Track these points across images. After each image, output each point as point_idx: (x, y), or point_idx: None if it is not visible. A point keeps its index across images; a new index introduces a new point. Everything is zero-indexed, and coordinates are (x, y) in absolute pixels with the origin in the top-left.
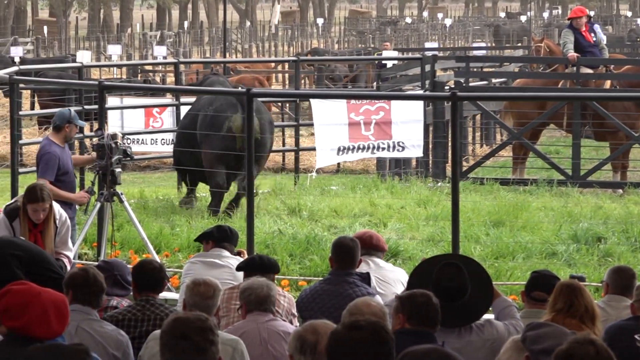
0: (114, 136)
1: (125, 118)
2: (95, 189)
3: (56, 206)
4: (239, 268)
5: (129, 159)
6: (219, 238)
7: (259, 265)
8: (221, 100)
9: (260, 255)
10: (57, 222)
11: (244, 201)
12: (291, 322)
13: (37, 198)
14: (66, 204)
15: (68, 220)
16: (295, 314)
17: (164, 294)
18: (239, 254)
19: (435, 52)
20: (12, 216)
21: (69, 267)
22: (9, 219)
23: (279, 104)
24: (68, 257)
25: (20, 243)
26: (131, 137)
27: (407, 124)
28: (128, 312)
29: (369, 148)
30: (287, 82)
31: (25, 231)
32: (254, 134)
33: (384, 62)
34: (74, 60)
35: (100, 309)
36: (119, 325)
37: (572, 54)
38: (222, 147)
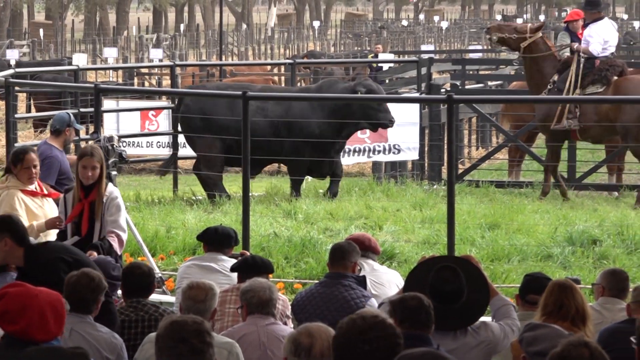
0: (110, 138)
1: (121, 121)
2: None
3: (110, 187)
4: (233, 269)
5: (124, 162)
6: (215, 241)
7: (253, 266)
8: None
9: (254, 255)
10: (106, 199)
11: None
12: (285, 324)
13: (86, 152)
14: None
15: (120, 200)
16: (290, 315)
17: (159, 297)
18: (241, 255)
19: (432, 55)
20: (68, 190)
21: (117, 248)
22: (65, 193)
23: None
24: (119, 237)
25: (71, 249)
26: (127, 139)
27: (403, 127)
28: (121, 314)
29: (365, 151)
30: (283, 84)
31: (75, 200)
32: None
33: (380, 64)
34: (70, 63)
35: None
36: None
37: (568, 55)
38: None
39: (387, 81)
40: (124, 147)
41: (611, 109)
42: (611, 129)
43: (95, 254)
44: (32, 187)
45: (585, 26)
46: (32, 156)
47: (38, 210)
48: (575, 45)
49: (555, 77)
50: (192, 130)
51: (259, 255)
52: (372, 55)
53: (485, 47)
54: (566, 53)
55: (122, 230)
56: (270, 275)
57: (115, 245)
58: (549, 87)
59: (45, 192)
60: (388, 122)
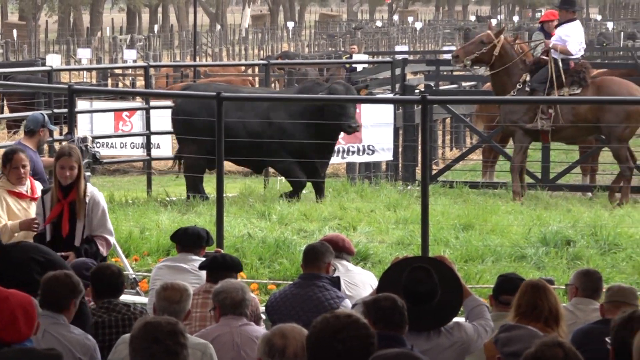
0: (84, 139)
1: (94, 122)
2: None
3: (91, 188)
4: (201, 267)
5: (98, 163)
6: (185, 241)
7: (222, 265)
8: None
9: (223, 254)
10: (88, 199)
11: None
12: (256, 324)
13: (64, 152)
14: None
15: (103, 203)
16: (261, 316)
17: (133, 298)
18: (216, 253)
19: (406, 56)
20: (45, 191)
21: (104, 251)
22: (42, 194)
23: None
24: (106, 240)
25: (43, 249)
26: (101, 140)
27: (377, 128)
28: (93, 316)
29: (339, 152)
30: (257, 85)
31: (54, 201)
32: None
33: (354, 65)
34: (44, 64)
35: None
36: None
37: (541, 56)
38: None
39: (361, 82)
40: (97, 148)
41: (591, 110)
42: (586, 130)
43: (73, 255)
44: (22, 189)
45: (557, 26)
46: (21, 156)
47: (21, 212)
48: (552, 42)
49: (527, 77)
50: (177, 131)
51: (228, 254)
52: (347, 56)
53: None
54: (538, 52)
55: (109, 233)
56: (244, 276)
57: (102, 249)
58: (518, 86)
59: (36, 195)
60: (347, 127)
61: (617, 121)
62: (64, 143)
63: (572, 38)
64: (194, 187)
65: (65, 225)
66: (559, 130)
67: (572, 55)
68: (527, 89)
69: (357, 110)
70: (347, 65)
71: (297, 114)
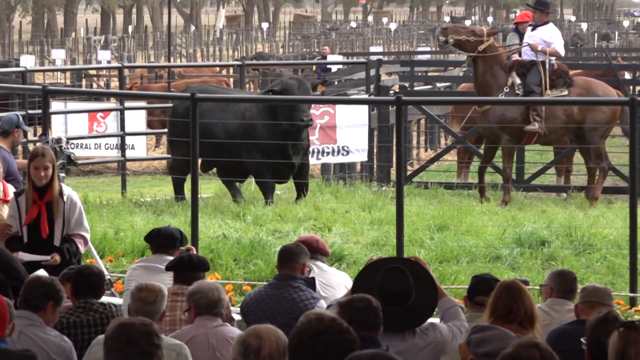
0: (58, 140)
1: (69, 123)
2: None
3: (66, 188)
4: (167, 267)
5: (73, 164)
6: (159, 242)
7: (189, 264)
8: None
9: (190, 254)
10: (65, 198)
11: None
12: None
13: (37, 153)
14: None
15: (79, 202)
16: (233, 317)
17: (108, 299)
18: (188, 251)
19: (380, 57)
20: (19, 193)
21: (82, 249)
22: (16, 196)
23: None
24: (84, 238)
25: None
26: (75, 141)
27: (352, 128)
28: (71, 315)
29: (313, 153)
30: (232, 86)
31: (29, 203)
32: None
33: (328, 66)
34: (18, 65)
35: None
36: (63, 329)
37: (515, 57)
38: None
39: (335, 83)
40: (72, 149)
41: (581, 111)
42: (572, 131)
43: (57, 256)
44: None
45: (534, 28)
46: None
47: None
48: (540, 46)
49: (517, 80)
50: (170, 133)
51: (194, 253)
52: (319, 57)
53: (433, 49)
54: (515, 55)
55: (86, 231)
56: (219, 277)
57: (81, 247)
58: (505, 89)
59: (9, 197)
60: (299, 122)
61: (605, 121)
62: (38, 144)
63: (557, 40)
64: (177, 188)
65: (45, 226)
66: (550, 132)
67: (561, 56)
68: (517, 91)
69: (332, 111)
70: (314, 67)
71: (257, 113)
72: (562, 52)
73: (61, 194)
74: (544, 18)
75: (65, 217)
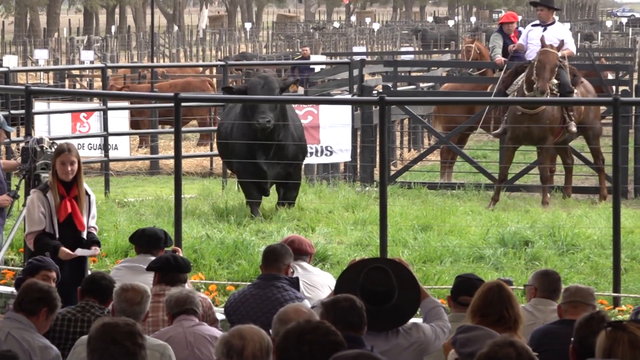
0: (39, 140)
1: (52, 123)
2: (21, 193)
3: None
4: (149, 268)
5: None
6: (143, 242)
7: (168, 266)
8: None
9: (172, 255)
10: (89, 193)
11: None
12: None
13: (63, 149)
14: None
15: (94, 196)
16: (217, 319)
17: None
18: (173, 252)
19: (363, 57)
20: (44, 189)
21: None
22: (43, 192)
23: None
24: (96, 229)
25: None
26: (58, 142)
27: (335, 129)
28: (68, 312)
29: None
30: (215, 86)
31: (56, 198)
32: None
33: (312, 66)
34: (0, 65)
35: None
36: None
37: (499, 58)
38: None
39: (319, 83)
40: None
41: (585, 110)
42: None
43: (99, 249)
44: None
45: (545, 28)
46: None
47: None
48: (567, 50)
49: (554, 80)
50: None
51: (178, 255)
52: (298, 57)
53: (416, 49)
54: (498, 56)
55: (95, 223)
56: (203, 277)
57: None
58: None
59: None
60: (255, 123)
61: (598, 120)
62: (19, 145)
63: (569, 39)
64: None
65: (81, 220)
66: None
67: (574, 55)
68: (555, 92)
69: (315, 111)
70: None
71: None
72: (575, 52)
73: (86, 192)
74: (551, 16)
75: (88, 211)
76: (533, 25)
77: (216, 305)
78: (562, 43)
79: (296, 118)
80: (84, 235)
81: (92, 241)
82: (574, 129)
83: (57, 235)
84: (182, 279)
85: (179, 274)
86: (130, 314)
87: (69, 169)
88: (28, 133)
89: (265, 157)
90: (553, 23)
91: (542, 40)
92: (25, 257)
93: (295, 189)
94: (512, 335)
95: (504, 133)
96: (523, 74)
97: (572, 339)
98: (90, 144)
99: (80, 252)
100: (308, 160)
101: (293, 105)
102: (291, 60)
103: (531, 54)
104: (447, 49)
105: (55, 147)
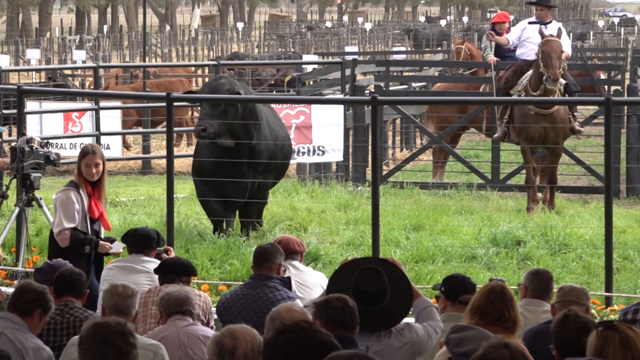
0: (29, 140)
1: (44, 122)
2: (11, 192)
3: None
4: (156, 271)
5: (52, 164)
6: (135, 242)
7: (171, 268)
8: None
9: (177, 257)
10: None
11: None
12: (208, 322)
13: (88, 151)
14: None
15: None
16: (215, 316)
17: None
18: (165, 251)
19: (356, 56)
20: (75, 187)
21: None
22: (76, 189)
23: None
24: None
25: None
26: (50, 141)
27: (328, 128)
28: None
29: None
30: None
31: (85, 196)
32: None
33: (303, 65)
34: None
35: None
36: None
37: (491, 57)
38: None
39: (311, 82)
40: (51, 149)
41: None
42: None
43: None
44: None
45: (545, 24)
46: None
47: None
48: (565, 53)
49: (562, 80)
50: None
51: (182, 257)
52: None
53: (408, 49)
54: (490, 55)
55: None
56: (195, 278)
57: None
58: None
59: None
60: (194, 130)
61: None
62: (11, 144)
63: (565, 40)
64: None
65: (107, 220)
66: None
67: (569, 56)
68: (566, 94)
69: (307, 111)
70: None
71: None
72: (570, 53)
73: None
74: (549, 15)
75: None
76: (530, 23)
77: None
78: (560, 31)
79: (279, 129)
80: (102, 234)
81: (111, 239)
82: (578, 128)
83: (89, 232)
84: (187, 282)
85: (180, 276)
86: (122, 308)
87: (94, 170)
88: (20, 133)
89: (226, 170)
90: (551, 22)
91: (541, 32)
92: (51, 255)
93: (262, 208)
94: (508, 337)
95: (505, 136)
96: (528, 73)
97: (550, 346)
98: (82, 143)
99: (116, 247)
100: (300, 159)
101: (274, 117)
102: (284, 60)
103: (529, 53)
104: (439, 48)
105: (48, 146)
